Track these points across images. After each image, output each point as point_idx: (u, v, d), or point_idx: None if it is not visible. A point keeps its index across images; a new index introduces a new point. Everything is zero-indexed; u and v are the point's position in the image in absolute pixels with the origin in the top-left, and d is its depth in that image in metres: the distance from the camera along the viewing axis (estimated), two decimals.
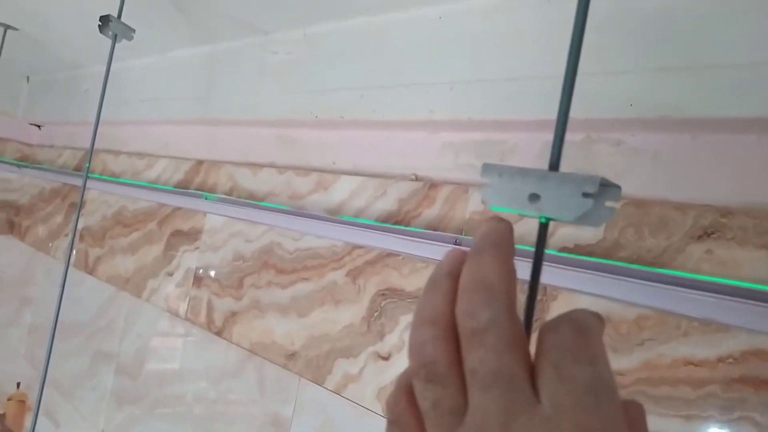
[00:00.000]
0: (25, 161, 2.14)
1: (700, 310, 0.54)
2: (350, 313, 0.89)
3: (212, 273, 1.19)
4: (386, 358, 0.83)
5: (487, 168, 0.27)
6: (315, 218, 0.94)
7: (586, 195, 0.24)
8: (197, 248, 1.25)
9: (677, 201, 0.60)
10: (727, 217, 0.56)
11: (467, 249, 0.25)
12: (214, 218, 1.21)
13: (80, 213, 1.10)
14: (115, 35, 1.01)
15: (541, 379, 0.22)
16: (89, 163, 1.09)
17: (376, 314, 0.85)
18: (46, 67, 1.92)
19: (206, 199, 1.19)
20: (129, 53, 1.34)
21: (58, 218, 1.88)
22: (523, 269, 0.27)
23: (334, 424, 0.88)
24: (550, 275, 0.63)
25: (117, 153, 1.65)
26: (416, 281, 0.81)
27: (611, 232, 0.63)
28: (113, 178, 1.61)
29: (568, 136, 0.27)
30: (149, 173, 1.49)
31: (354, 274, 0.90)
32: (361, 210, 0.92)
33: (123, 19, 1.01)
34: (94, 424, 1.47)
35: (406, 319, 0.81)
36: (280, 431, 0.97)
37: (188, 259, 1.27)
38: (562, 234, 0.67)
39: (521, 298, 0.25)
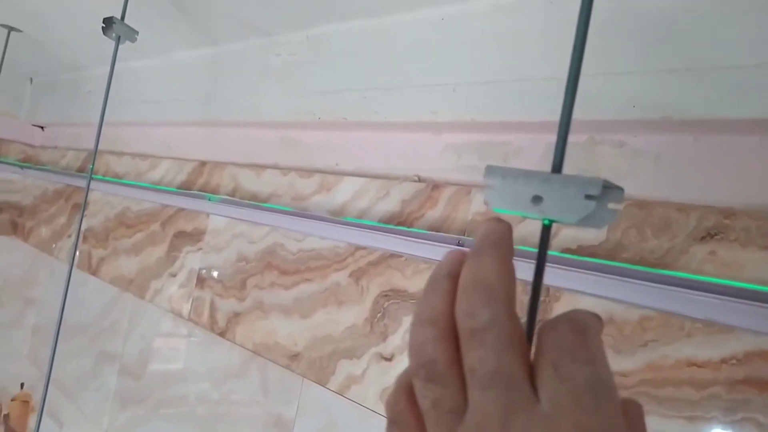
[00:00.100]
0: (28, 162, 2.15)
1: (703, 311, 0.54)
2: (353, 314, 0.89)
3: (215, 274, 1.19)
4: (389, 359, 0.83)
5: (490, 170, 0.27)
6: (318, 219, 0.94)
7: (588, 197, 0.24)
8: (200, 249, 1.25)
9: (680, 202, 0.60)
10: (730, 219, 0.56)
11: (466, 250, 0.26)
12: (217, 219, 1.22)
13: (84, 214, 1.11)
14: (119, 37, 1.02)
15: (540, 379, 0.22)
16: (93, 164, 1.10)
17: (379, 315, 0.85)
18: (49, 69, 1.93)
19: (209, 200, 1.19)
20: (132, 54, 1.35)
21: (62, 219, 1.89)
22: (526, 270, 0.27)
23: (337, 425, 0.89)
24: (552, 276, 0.63)
25: (120, 154, 1.65)
26: (419, 282, 0.81)
27: (614, 234, 0.63)
28: (116, 179, 1.61)
29: (571, 138, 0.27)
30: (152, 174, 1.49)
31: (357, 275, 0.90)
32: (363, 211, 0.92)
33: (126, 20, 1.02)
34: (97, 425, 1.47)
35: (409, 320, 0.81)
36: None
37: (191, 260, 1.27)
38: (564, 235, 0.67)
39: (524, 299, 0.25)
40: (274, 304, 1.03)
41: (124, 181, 1.57)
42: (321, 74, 0.95)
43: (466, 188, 0.79)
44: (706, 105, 0.54)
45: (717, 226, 0.57)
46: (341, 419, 0.88)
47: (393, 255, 0.85)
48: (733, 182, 0.57)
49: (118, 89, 1.13)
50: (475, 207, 0.77)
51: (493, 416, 0.21)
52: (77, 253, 1.66)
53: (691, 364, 0.56)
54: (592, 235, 0.65)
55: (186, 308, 1.25)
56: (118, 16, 1.01)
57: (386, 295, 0.85)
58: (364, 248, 0.90)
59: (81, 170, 1.84)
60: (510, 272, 0.24)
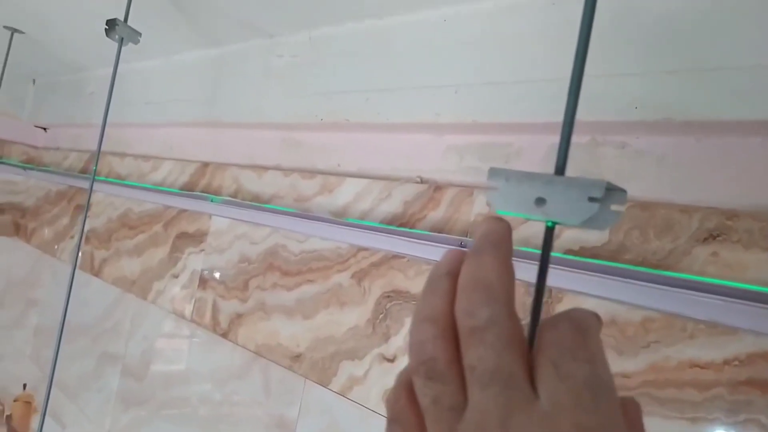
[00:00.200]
0: (30, 163, 2.15)
1: (706, 313, 0.54)
2: (355, 315, 0.89)
3: (217, 275, 1.19)
4: (391, 360, 0.83)
5: (493, 172, 0.27)
6: (320, 220, 0.94)
7: (592, 199, 0.24)
8: (203, 250, 1.25)
9: (682, 203, 0.60)
10: (733, 220, 0.56)
11: (465, 249, 0.26)
12: (220, 220, 1.22)
13: (86, 215, 1.11)
14: (122, 39, 1.02)
15: (539, 377, 0.22)
16: (96, 165, 1.10)
17: (381, 316, 0.85)
18: (51, 70, 1.93)
19: (211, 201, 1.19)
20: (134, 56, 1.35)
21: (64, 220, 1.89)
22: (529, 272, 0.28)
23: (339, 425, 0.89)
24: (555, 277, 0.63)
25: (122, 155, 1.66)
26: (421, 283, 0.81)
27: (616, 235, 0.63)
28: (119, 180, 1.61)
29: (573, 139, 0.27)
30: (155, 175, 1.49)
31: (359, 276, 0.90)
32: (366, 212, 0.92)
33: (129, 22, 1.02)
34: (100, 426, 1.48)
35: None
36: None
37: (194, 261, 1.27)
38: (567, 236, 0.67)
39: (527, 301, 0.26)
40: (277, 305, 1.03)
41: (126, 182, 1.57)
42: (323, 75, 0.95)
43: (468, 189, 0.79)
44: (708, 106, 0.54)
45: (719, 227, 0.57)
46: (343, 420, 0.88)
47: (395, 256, 0.85)
48: (735, 183, 0.57)
49: (120, 90, 1.14)
50: (477, 208, 0.77)
51: (493, 414, 0.21)
52: (80, 254, 1.67)
53: (694, 365, 0.56)
54: (594, 237, 0.65)
55: (188, 309, 1.26)
56: (121, 18, 1.01)
57: (388, 296, 0.85)
58: (366, 249, 0.90)
59: (83, 171, 1.85)
60: (509, 271, 0.24)
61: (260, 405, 1.03)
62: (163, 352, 1.34)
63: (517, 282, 0.25)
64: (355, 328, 0.89)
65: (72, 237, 1.82)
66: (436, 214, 0.82)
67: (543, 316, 0.26)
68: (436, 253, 0.76)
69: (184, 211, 1.33)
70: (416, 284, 0.82)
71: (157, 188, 1.42)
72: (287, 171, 1.10)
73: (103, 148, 1.09)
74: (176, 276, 1.32)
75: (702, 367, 0.56)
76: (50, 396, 1.08)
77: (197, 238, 1.27)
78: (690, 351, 0.57)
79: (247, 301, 1.10)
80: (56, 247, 1.91)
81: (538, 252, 0.27)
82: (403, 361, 0.82)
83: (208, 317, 1.19)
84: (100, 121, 1.05)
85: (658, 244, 0.60)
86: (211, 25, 1.11)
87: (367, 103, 0.86)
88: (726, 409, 0.54)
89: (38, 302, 1.98)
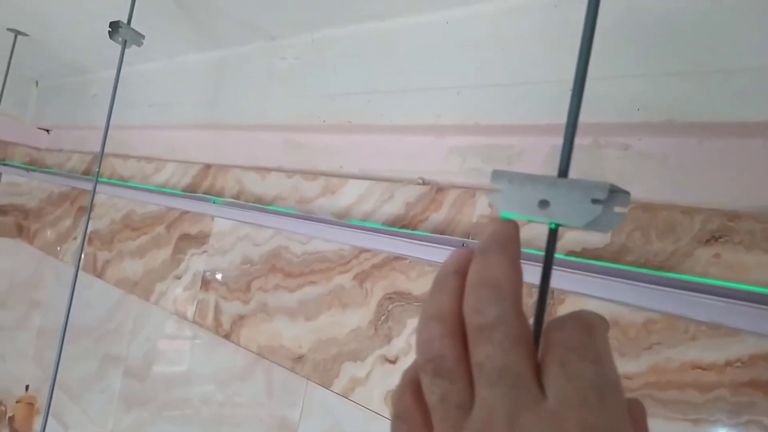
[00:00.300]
0: (33, 165, 2.16)
1: (708, 314, 0.54)
2: (357, 317, 0.89)
3: (220, 276, 1.20)
4: (393, 362, 0.83)
5: (497, 175, 0.27)
6: (322, 222, 0.94)
7: (595, 201, 0.25)
8: (205, 252, 1.25)
9: (684, 205, 0.60)
10: (735, 221, 0.56)
11: (473, 248, 0.26)
12: (222, 222, 1.22)
13: (89, 217, 1.11)
14: (125, 41, 1.02)
15: (546, 376, 0.22)
16: (99, 167, 1.10)
17: (383, 318, 0.86)
18: (54, 72, 1.94)
19: (214, 203, 1.20)
20: (137, 58, 1.35)
21: (67, 222, 1.89)
22: (532, 274, 0.28)
23: (341, 427, 0.89)
24: (557, 279, 0.62)
25: (125, 157, 1.66)
26: (423, 285, 0.82)
27: (619, 236, 0.63)
28: (122, 182, 1.62)
29: (576, 141, 0.27)
30: (157, 177, 1.50)
31: (361, 278, 0.90)
32: (368, 214, 0.92)
33: (132, 24, 1.02)
34: (102, 427, 1.48)
35: (414, 322, 0.82)
36: None
37: (196, 262, 1.27)
38: (569, 238, 0.67)
39: (529, 302, 0.26)
40: (279, 307, 1.04)
41: (129, 183, 1.58)
42: (326, 77, 0.95)
43: (471, 191, 0.79)
44: (711, 108, 0.54)
45: (721, 228, 0.57)
46: (345, 421, 0.88)
47: (397, 258, 0.85)
48: (737, 185, 0.58)
49: (123, 92, 1.14)
50: (479, 210, 0.77)
51: (500, 412, 0.21)
52: (83, 255, 1.67)
53: (696, 366, 0.56)
54: (596, 238, 0.65)
55: (191, 310, 1.26)
56: (124, 21, 1.01)
57: (390, 298, 0.85)
58: (368, 251, 0.90)
59: (86, 173, 1.85)
60: (517, 271, 0.24)
61: (262, 406, 1.03)
62: (165, 353, 1.34)
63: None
64: (357, 329, 0.89)
65: (75, 238, 1.83)
66: (438, 216, 0.82)
67: (546, 317, 0.26)
68: (438, 254, 0.76)
69: (187, 212, 1.33)
70: (418, 286, 0.82)
71: (160, 190, 1.43)
72: (290, 173, 1.10)
73: (106, 149, 1.09)
74: (179, 277, 1.32)
75: (704, 369, 0.56)
76: (53, 397, 1.09)
77: (200, 239, 1.28)
78: (692, 352, 0.57)
79: (250, 302, 1.10)
80: (59, 248, 1.91)
81: (541, 254, 0.27)
82: (405, 363, 0.82)
83: (210, 318, 1.19)
84: (103, 123, 1.05)
85: (660, 245, 0.60)
86: (214, 27, 1.11)
87: (370, 104, 0.87)
88: (728, 411, 0.54)
89: (41, 304, 1.98)
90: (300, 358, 0.97)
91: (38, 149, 2.21)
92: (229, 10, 1.00)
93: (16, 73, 1.67)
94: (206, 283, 1.23)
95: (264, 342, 1.05)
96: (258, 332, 1.07)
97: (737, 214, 0.56)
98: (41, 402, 1.83)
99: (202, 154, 1.36)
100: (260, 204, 1.13)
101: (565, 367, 0.22)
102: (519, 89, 0.69)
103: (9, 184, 2.16)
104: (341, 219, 0.95)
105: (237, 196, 1.21)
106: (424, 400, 0.25)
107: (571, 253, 0.67)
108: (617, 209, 0.25)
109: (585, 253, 0.66)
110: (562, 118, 0.28)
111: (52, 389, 1.07)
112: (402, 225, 0.86)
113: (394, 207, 0.88)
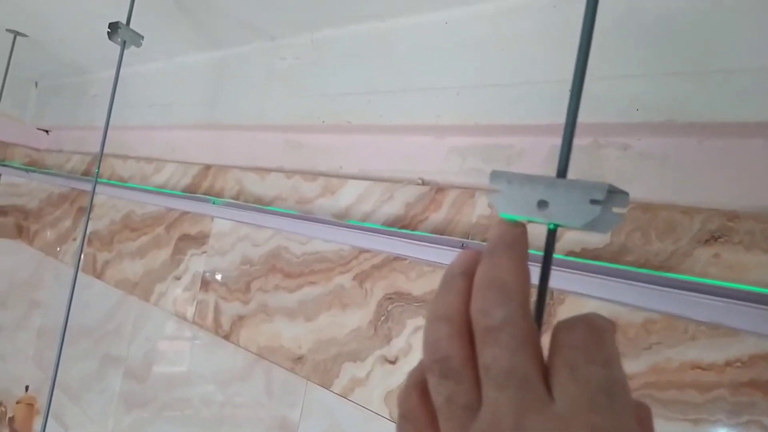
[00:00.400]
0: (33, 166, 2.16)
1: (707, 314, 0.54)
2: (357, 317, 0.89)
3: (220, 277, 1.20)
4: (393, 362, 0.83)
5: (495, 175, 0.27)
6: (322, 222, 0.94)
7: (594, 202, 0.25)
8: (205, 252, 1.25)
9: (684, 205, 0.60)
10: (734, 221, 0.56)
11: (480, 250, 0.26)
12: (222, 222, 1.22)
13: (89, 217, 1.11)
14: (124, 42, 1.02)
15: (554, 378, 0.22)
16: (98, 167, 1.10)
17: (383, 318, 0.86)
18: (54, 73, 1.94)
19: (214, 203, 1.20)
20: (137, 58, 1.35)
21: (67, 222, 1.89)
22: (531, 274, 0.28)
23: (341, 427, 0.89)
24: (557, 279, 0.63)
25: (125, 158, 1.66)
26: (423, 285, 0.82)
27: (618, 237, 0.63)
28: (121, 182, 1.62)
29: (575, 141, 0.27)
30: (157, 178, 1.50)
31: (361, 278, 0.90)
32: (368, 214, 0.92)
33: (131, 25, 1.02)
34: (102, 427, 1.48)
35: (413, 322, 0.82)
36: None
37: (196, 263, 1.27)
38: (569, 238, 0.67)
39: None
40: (279, 307, 1.04)
41: (128, 184, 1.58)
42: (325, 78, 0.95)
43: (470, 191, 0.79)
44: (710, 108, 0.54)
45: (721, 228, 0.57)
46: (345, 422, 0.88)
47: (397, 258, 0.85)
48: (737, 185, 0.57)
49: (123, 93, 1.14)
50: (479, 210, 0.77)
51: (507, 414, 0.21)
52: (82, 256, 1.67)
53: (696, 366, 0.56)
54: (596, 238, 0.65)
55: (190, 311, 1.26)
56: (124, 21, 1.01)
57: (390, 298, 0.85)
58: (368, 251, 0.90)
59: (86, 174, 1.85)
60: (525, 273, 0.24)
61: (262, 407, 1.03)
62: (165, 353, 1.34)
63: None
64: (356, 329, 0.89)
65: (74, 239, 1.83)
66: (437, 216, 0.82)
67: (545, 318, 0.26)
68: (437, 254, 0.76)
69: (187, 213, 1.33)
70: (418, 286, 0.82)
71: (160, 190, 1.43)
72: (289, 173, 1.10)
73: (105, 150, 1.09)
74: (178, 278, 1.32)
75: (704, 369, 0.56)
76: (53, 398, 1.09)
77: (199, 240, 1.28)
78: (691, 352, 0.57)
79: (249, 303, 1.10)
80: (59, 249, 1.91)
81: (541, 254, 0.27)
82: (405, 363, 0.82)
83: (210, 319, 1.19)
84: (102, 124, 1.05)
85: (659, 245, 0.60)
86: (214, 27, 1.11)
87: (369, 105, 0.87)
88: (728, 411, 0.54)
89: (41, 304, 1.98)
90: (300, 359, 0.97)
91: (38, 150, 2.21)
92: (229, 10, 1.00)
93: (15, 74, 1.67)
94: (206, 283, 1.23)
95: (264, 342, 1.05)
96: (258, 333, 1.07)
97: (737, 214, 0.56)
98: (41, 402, 1.83)
99: (201, 155, 1.36)
100: (260, 204, 1.13)
101: (574, 370, 0.22)
102: (519, 89, 0.69)
103: (9, 184, 2.16)
104: (341, 219, 0.95)
105: (237, 197, 1.21)
106: (430, 401, 0.25)
107: (570, 253, 0.67)
108: (616, 210, 0.25)
109: (585, 253, 0.66)
110: (562, 118, 0.28)
111: (52, 390, 1.07)
112: (402, 225, 0.86)
113: (393, 207, 0.88)
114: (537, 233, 0.71)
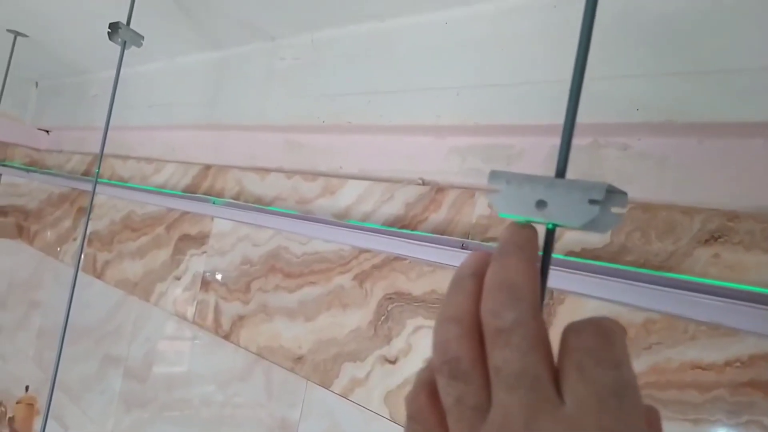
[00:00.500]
0: (33, 166, 2.16)
1: (707, 314, 0.54)
2: (357, 317, 0.89)
3: (220, 277, 1.20)
4: (393, 362, 0.83)
5: (494, 175, 0.27)
6: (322, 222, 0.94)
7: (592, 202, 0.25)
8: (205, 252, 1.25)
9: (684, 205, 0.60)
10: (734, 221, 0.56)
11: (490, 251, 0.26)
12: (222, 222, 1.22)
13: (89, 217, 1.11)
14: (124, 42, 1.02)
15: (565, 380, 0.22)
16: (98, 167, 1.10)
17: (383, 318, 0.86)
18: (54, 73, 1.94)
19: (214, 203, 1.20)
20: (137, 59, 1.35)
21: (67, 223, 1.90)
22: None
23: (341, 427, 0.89)
24: (556, 279, 0.63)
25: (125, 158, 1.66)
26: (423, 285, 0.82)
27: (618, 236, 0.63)
28: (121, 182, 1.62)
29: (575, 141, 0.27)
30: (157, 178, 1.50)
31: (361, 278, 0.90)
32: (368, 214, 0.92)
33: (131, 25, 1.02)
34: (102, 428, 1.48)
35: (413, 323, 0.82)
36: None
37: (196, 263, 1.27)
38: (568, 238, 0.67)
39: None
40: (279, 307, 1.04)
41: (129, 184, 1.58)
42: (325, 78, 0.95)
43: (470, 191, 0.79)
44: (710, 108, 0.54)
45: (721, 228, 0.57)
46: (345, 422, 0.88)
47: (397, 258, 0.85)
48: (737, 185, 0.57)
49: (123, 93, 1.14)
50: (478, 210, 0.77)
51: (517, 416, 0.21)
52: (82, 256, 1.67)
53: (695, 366, 0.56)
54: (596, 238, 0.65)
55: (190, 311, 1.26)
56: (124, 21, 1.01)
57: (390, 298, 0.85)
58: (368, 251, 0.90)
59: (86, 174, 1.85)
60: (535, 274, 0.24)
61: (262, 407, 1.03)
62: (165, 353, 1.34)
63: None
64: (356, 329, 0.89)
65: (75, 239, 1.83)
66: (437, 216, 0.82)
67: (545, 318, 0.26)
68: (437, 254, 0.76)
69: (187, 213, 1.33)
70: (418, 286, 0.82)
71: (160, 191, 1.43)
72: (289, 173, 1.10)
73: (105, 150, 1.09)
74: (178, 278, 1.32)
75: (703, 369, 0.56)
76: (53, 398, 1.09)
77: (199, 240, 1.28)
78: (691, 352, 0.57)
79: (249, 303, 1.10)
80: (59, 249, 1.91)
81: (540, 254, 0.27)
82: (405, 363, 0.82)
83: (210, 319, 1.19)
84: (102, 124, 1.05)
85: (659, 245, 0.60)
86: (214, 27, 1.11)
87: (369, 105, 0.87)
88: (728, 411, 0.54)
89: (41, 304, 1.98)
90: (300, 359, 0.97)
91: (38, 150, 2.21)
92: (229, 10, 1.00)
93: (15, 74, 1.68)
94: (206, 283, 1.23)
95: (264, 342, 1.05)
96: (258, 333, 1.07)
97: (737, 214, 0.56)
98: (41, 403, 1.83)
99: (201, 155, 1.36)
100: (260, 204, 1.13)
101: (584, 372, 0.22)
102: (519, 89, 0.69)
103: (9, 185, 2.16)
104: (341, 219, 0.95)
105: (237, 197, 1.21)
106: (439, 402, 0.25)
107: (570, 253, 0.67)
108: (615, 210, 0.25)
109: (584, 253, 0.66)
110: (562, 118, 0.28)
111: (52, 390, 1.07)
112: (402, 225, 0.86)
113: (393, 207, 0.88)
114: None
